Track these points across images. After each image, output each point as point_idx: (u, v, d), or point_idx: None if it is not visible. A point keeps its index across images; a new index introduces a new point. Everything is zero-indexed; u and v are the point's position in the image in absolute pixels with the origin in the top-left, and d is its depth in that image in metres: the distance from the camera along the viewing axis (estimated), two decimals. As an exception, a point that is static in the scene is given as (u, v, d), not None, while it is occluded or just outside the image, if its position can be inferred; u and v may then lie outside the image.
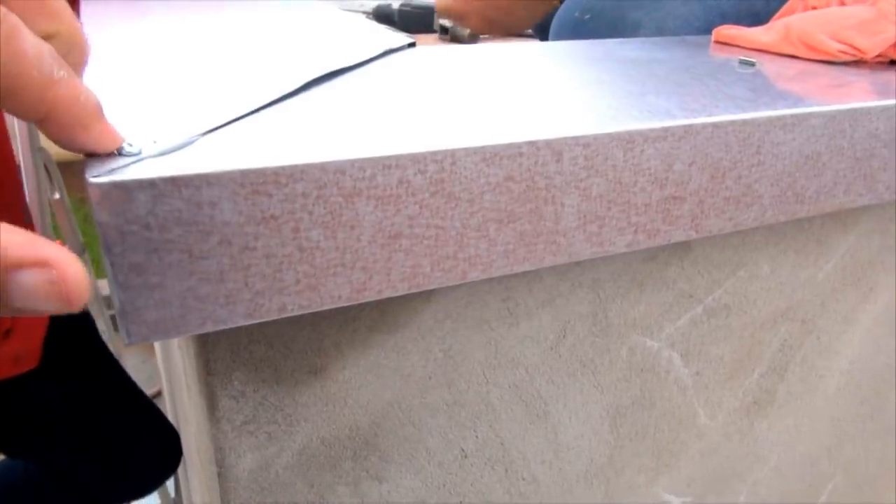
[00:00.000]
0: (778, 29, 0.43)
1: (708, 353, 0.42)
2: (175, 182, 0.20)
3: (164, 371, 1.15)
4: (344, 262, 0.24)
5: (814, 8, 0.48)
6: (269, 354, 0.28)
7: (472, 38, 1.00)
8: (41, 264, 0.16)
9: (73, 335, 0.86)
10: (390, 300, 0.30)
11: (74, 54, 0.20)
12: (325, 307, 0.25)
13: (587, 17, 0.60)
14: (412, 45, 0.40)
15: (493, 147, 0.25)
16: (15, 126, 1.16)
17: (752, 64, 0.39)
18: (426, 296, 0.31)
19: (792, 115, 0.30)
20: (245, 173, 0.21)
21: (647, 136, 0.27)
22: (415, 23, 1.16)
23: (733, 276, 0.39)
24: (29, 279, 0.16)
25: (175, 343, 0.58)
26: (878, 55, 0.41)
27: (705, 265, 0.38)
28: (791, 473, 0.52)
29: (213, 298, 0.23)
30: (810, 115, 0.31)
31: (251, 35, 0.39)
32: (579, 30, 0.60)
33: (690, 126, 0.28)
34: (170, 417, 0.97)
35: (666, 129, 0.28)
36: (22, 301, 0.16)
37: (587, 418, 0.39)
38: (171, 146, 0.22)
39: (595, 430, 0.40)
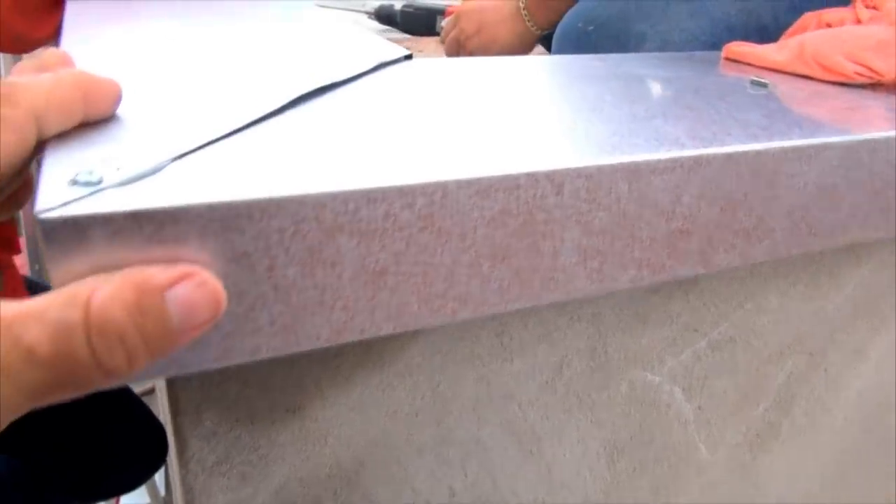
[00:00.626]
0: (791, 47, 0.41)
1: (711, 387, 0.40)
2: (136, 218, 0.19)
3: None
4: (323, 301, 0.22)
5: (828, 25, 0.46)
6: (243, 393, 0.26)
7: (474, 44, 0.98)
8: (187, 276, 0.18)
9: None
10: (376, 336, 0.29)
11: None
12: (303, 349, 0.23)
13: (590, 28, 0.58)
14: (408, 57, 0.38)
15: (488, 179, 0.23)
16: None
17: (765, 85, 0.37)
18: (414, 331, 0.29)
19: (809, 146, 0.29)
20: (213, 208, 0.19)
21: (654, 168, 0.26)
22: (417, 24, 1.14)
23: (740, 308, 0.38)
24: (183, 290, 0.18)
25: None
26: (897, 78, 0.39)
27: (711, 298, 0.36)
28: (793, 507, 0.50)
29: (177, 341, 0.21)
30: (828, 145, 0.29)
31: (236, 46, 0.37)
32: (582, 41, 0.59)
33: (701, 157, 0.26)
34: (164, 413, 0.96)
35: (675, 160, 0.26)
36: (182, 315, 0.18)
37: (583, 454, 0.37)
38: (137, 174, 0.20)
39: (591, 466, 0.38)
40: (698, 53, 0.46)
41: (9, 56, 1.34)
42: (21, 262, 1.24)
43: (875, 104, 0.35)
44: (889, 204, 0.32)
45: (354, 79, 0.32)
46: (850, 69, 0.38)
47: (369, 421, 0.30)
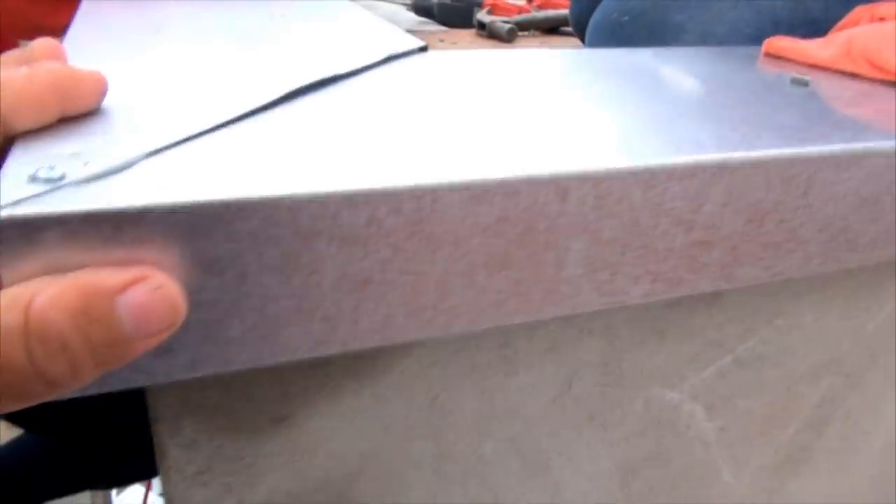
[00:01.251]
0: (839, 43, 0.38)
1: (736, 406, 0.37)
2: (92, 219, 0.17)
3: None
4: (301, 311, 0.21)
5: (882, 20, 0.43)
6: (225, 401, 0.25)
7: (511, 35, 0.96)
8: (140, 279, 0.17)
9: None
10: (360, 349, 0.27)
11: None
12: (280, 361, 0.21)
13: (625, 18, 0.55)
14: (423, 49, 0.36)
15: (484, 183, 0.21)
16: None
17: (806, 83, 0.34)
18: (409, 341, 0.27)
19: (849, 152, 0.26)
20: (176, 209, 0.18)
21: (671, 174, 0.23)
22: (454, 17, 1.12)
23: (770, 324, 0.35)
24: (136, 295, 0.17)
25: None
26: (954, 79, 0.35)
27: (737, 312, 0.34)
28: (825, 534, 0.47)
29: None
30: (871, 152, 0.26)
31: (244, 34, 0.36)
32: (617, 33, 0.56)
33: (725, 162, 0.24)
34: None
35: (695, 166, 0.24)
36: (135, 322, 0.17)
37: (594, 475, 0.35)
38: (103, 170, 0.19)
39: (603, 487, 0.36)
40: (737, 49, 0.43)
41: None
42: None
43: (928, 107, 0.32)
44: (939, 217, 0.29)
45: (360, 71, 0.31)
46: (901, 67, 0.35)
47: (361, 433, 0.28)
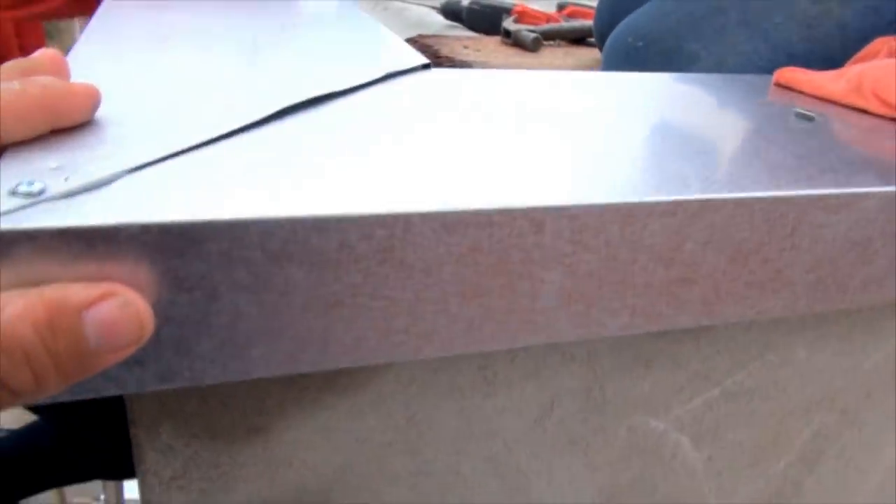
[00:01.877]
0: (850, 77, 0.38)
1: (723, 437, 0.37)
2: (63, 235, 0.18)
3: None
4: (271, 331, 0.21)
5: (897, 53, 0.42)
6: (202, 409, 0.26)
7: (536, 45, 0.95)
8: (108, 294, 0.17)
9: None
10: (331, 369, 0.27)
11: None
12: (250, 377, 0.22)
13: (640, 44, 0.55)
14: (427, 66, 0.36)
15: (457, 213, 0.21)
16: None
17: (811, 119, 0.34)
18: (388, 359, 0.28)
19: (839, 195, 0.26)
20: (147, 228, 0.18)
21: (651, 211, 0.23)
22: (482, 22, 1.12)
23: (760, 358, 0.34)
24: (103, 310, 0.17)
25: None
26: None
27: (726, 345, 0.33)
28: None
29: (113, 360, 0.20)
30: (863, 195, 0.26)
31: (246, 45, 0.37)
32: (631, 57, 0.55)
33: (707, 202, 0.24)
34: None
35: (677, 204, 0.24)
36: (101, 337, 0.17)
37: (576, 498, 0.35)
38: (83, 185, 0.20)
39: (583, 511, 0.36)
40: (748, 77, 0.43)
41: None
42: None
43: (935, 147, 0.32)
44: (935, 263, 0.29)
45: (358, 89, 0.31)
46: (912, 104, 0.35)
47: (337, 447, 0.28)
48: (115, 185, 0.20)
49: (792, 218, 0.25)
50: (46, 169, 0.20)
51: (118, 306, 0.18)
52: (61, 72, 0.24)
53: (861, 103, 0.36)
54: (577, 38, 1.04)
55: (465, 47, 0.98)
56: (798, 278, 0.27)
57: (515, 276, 0.23)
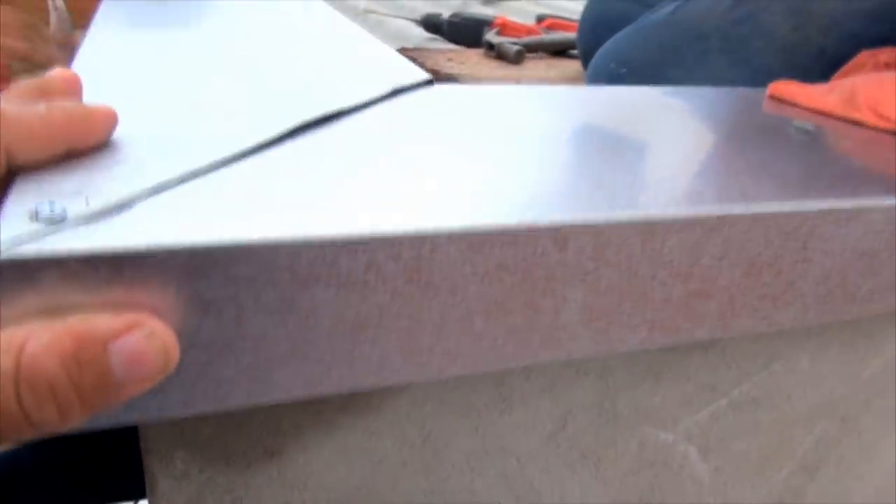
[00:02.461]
0: (843, 90, 0.39)
1: (730, 448, 0.37)
2: (91, 261, 0.17)
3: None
4: (296, 353, 0.21)
5: (887, 65, 0.43)
6: (217, 433, 0.25)
7: (519, 57, 0.96)
8: (134, 326, 0.17)
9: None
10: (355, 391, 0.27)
11: None
12: (274, 401, 0.21)
13: (623, 70, 0.55)
14: (430, 82, 0.36)
15: (483, 232, 0.21)
16: None
17: (808, 131, 0.35)
18: (405, 378, 0.27)
19: (849, 209, 0.26)
20: (176, 252, 0.18)
21: (671, 226, 0.23)
22: (463, 35, 1.12)
23: (766, 369, 0.35)
24: (129, 341, 0.17)
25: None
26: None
27: (734, 356, 0.34)
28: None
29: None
30: (871, 209, 0.26)
31: (249, 61, 0.36)
32: (614, 82, 0.56)
33: (725, 216, 0.24)
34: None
35: (695, 219, 0.24)
36: (126, 369, 0.17)
37: (585, 512, 0.35)
38: (106, 208, 0.19)
39: (594, 525, 0.35)
40: (741, 90, 0.44)
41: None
42: None
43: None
44: (938, 272, 0.29)
45: (366, 106, 0.31)
46: (905, 117, 0.35)
47: (353, 468, 0.28)
48: (137, 208, 0.20)
49: (804, 231, 0.26)
50: (65, 192, 0.20)
51: (144, 337, 0.17)
52: (75, 91, 0.24)
53: (857, 116, 0.37)
54: (559, 51, 1.05)
55: (449, 60, 0.98)
56: (809, 290, 0.27)
57: (538, 294, 0.23)
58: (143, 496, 0.98)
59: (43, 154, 0.20)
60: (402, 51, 0.94)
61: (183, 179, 0.21)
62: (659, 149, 0.30)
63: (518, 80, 0.84)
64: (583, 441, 0.32)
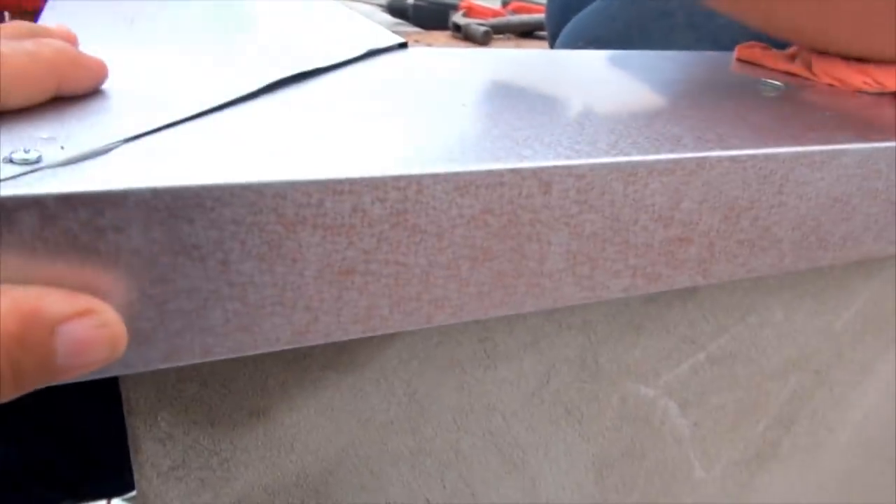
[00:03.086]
0: (802, 58, 0.39)
1: (708, 402, 0.38)
2: (70, 201, 0.17)
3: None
4: (283, 301, 0.20)
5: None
6: (202, 394, 0.25)
7: (486, 38, 0.96)
8: (86, 312, 0.16)
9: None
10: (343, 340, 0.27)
11: None
12: (260, 350, 0.21)
13: (590, 48, 0.56)
14: (403, 45, 0.36)
15: (469, 174, 0.21)
16: None
17: (778, 87, 0.35)
18: (390, 334, 0.27)
19: (822, 152, 0.27)
20: (158, 193, 0.18)
21: (652, 169, 0.24)
22: (429, 18, 1.12)
23: (742, 321, 0.35)
24: (78, 329, 0.16)
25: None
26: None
27: (712, 309, 0.34)
28: (791, 529, 0.48)
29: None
30: (843, 152, 0.27)
31: (220, 25, 0.36)
32: None
33: (704, 159, 0.24)
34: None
35: (675, 162, 0.24)
36: (69, 355, 0.16)
37: (570, 469, 0.35)
38: (80, 154, 0.19)
39: (578, 482, 0.36)
40: (709, 53, 0.44)
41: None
42: None
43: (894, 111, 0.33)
44: (906, 217, 0.30)
45: (341, 66, 0.31)
46: (858, 80, 0.36)
47: (340, 428, 0.28)
48: (112, 155, 0.19)
49: (780, 175, 0.26)
50: (39, 138, 0.19)
51: (94, 326, 0.17)
52: (69, 40, 0.23)
53: (825, 80, 0.37)
54: (526, 32, 1.05)
55: (417, 41, 0.98)
56: (784, 235, 0.28)
57: (524, 239, 0.23)
58: (118, 493, 0.97)
59: (29, 96, 0.20)
60: (369, 32, 0.93)
61: (160, 128, 0.21)
62: (636, 101, 0.30)
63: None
64: (566, 396, 0.33)
